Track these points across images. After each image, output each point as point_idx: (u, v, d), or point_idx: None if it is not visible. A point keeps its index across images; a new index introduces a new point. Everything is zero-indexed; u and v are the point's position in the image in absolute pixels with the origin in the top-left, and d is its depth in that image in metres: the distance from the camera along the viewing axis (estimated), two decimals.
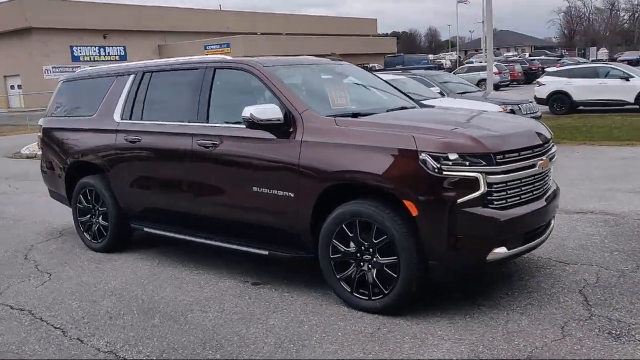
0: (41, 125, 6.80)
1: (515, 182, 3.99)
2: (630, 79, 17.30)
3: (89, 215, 6.21)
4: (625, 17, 69.76)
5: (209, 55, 5.38)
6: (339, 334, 3.88)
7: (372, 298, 4.12)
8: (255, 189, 4.63)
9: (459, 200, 3.77)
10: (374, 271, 4.09)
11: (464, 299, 4.32)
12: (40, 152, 6.94)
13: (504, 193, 3.92)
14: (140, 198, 5.67)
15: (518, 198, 4.02)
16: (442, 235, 3.81)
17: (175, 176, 5.25)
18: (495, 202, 3.87)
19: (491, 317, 3.99)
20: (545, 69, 26.02)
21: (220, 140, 4.86)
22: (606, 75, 17.95)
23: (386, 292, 4.04)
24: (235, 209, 4.87)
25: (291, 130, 4.44)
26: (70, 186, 6.36)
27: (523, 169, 4.01)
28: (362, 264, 4.15)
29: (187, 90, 5.30)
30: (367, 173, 4.03)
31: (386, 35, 76.36)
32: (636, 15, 67.52)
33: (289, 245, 4.63)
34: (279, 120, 4.43)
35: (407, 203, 3.87)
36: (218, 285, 4.92)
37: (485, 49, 21.86)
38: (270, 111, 4.42)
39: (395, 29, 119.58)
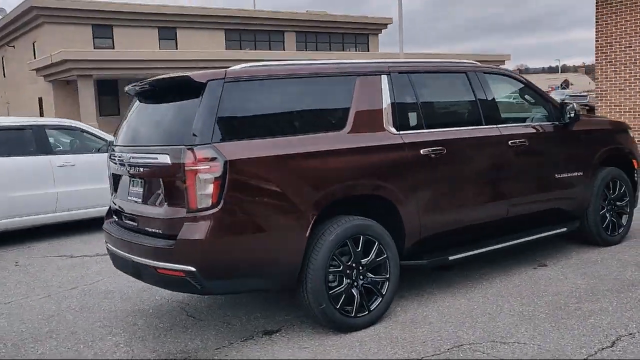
0: (223, 160, 3.92)
1: None
2: None
3: (349, 281, 4.45)
4: None
5: (457, 60, 5.86)
6: None
7: None
8: (557, 176, 5.84)
9: None
10: None
11: None
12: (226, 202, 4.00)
13: None
14: (439, 220, 5.06)
15: None
16: None
17: (488, 185, 5.40)
18: None
19: None
20: None
21: (530, 137, 5.63)
22: None
23: None
24: (540, 199, 5.81)
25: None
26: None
27: None
28: None
29: (461, 94, 5.54)
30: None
31: None
32: None
33: (568, 221, 6.13)
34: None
35: None
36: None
37: None
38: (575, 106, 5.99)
39: None
